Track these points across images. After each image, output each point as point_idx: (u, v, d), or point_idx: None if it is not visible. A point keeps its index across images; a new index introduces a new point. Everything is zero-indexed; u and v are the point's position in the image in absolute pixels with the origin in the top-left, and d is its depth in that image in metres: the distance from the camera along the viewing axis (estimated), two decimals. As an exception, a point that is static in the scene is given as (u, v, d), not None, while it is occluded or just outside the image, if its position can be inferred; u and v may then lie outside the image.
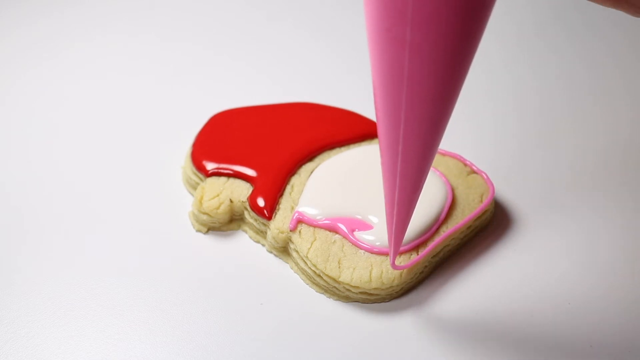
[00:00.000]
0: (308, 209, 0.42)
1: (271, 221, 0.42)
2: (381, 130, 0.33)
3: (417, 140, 0.33)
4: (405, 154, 0.33)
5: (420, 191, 0.35)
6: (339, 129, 0.47)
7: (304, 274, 0.42)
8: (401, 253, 0.41)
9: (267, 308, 0.40)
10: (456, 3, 0.28)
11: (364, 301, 0.41)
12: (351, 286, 0.40)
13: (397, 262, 0.40)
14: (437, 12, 0.28)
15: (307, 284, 0.42)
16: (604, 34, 0.59)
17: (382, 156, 0.34)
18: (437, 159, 0.46)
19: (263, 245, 0.44)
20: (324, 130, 0.47)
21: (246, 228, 0.44)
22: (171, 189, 0.46)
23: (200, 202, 0.43)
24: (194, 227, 0.44)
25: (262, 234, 0.43)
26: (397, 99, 0.31)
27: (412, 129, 0.32)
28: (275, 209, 0.43)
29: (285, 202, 0.43)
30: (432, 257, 0.42)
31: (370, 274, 0.40)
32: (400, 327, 0.40)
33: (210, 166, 0.45)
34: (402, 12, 0.29)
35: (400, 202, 0.36)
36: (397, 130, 0.32)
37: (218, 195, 0.44)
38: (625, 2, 0.33)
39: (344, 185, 0.43)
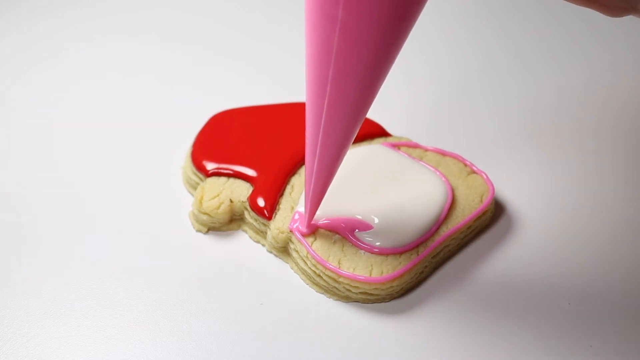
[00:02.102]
0: (308, 209, 0.42)
1: (271, 221, 0.42)
2: (307, 102, 0.35)
3: (340, 113, 0.34)
4: (327, 125, 0.35)
5: (340, 163, 0.37)
6: (339, 129, 0.47)
7: (304, 274, 0.42)
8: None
9: (267, 308, 0.40)
10: None
11: (364, 301, 0.41)
12: (351, 286, 0.40)
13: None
14: None
15: (307, 284, 0.42)
16: (599, 34, 0.59)
17: (306, 126, 0.36)
18: (437, 159, 0.46)
19: (263, 245, 0.44)
20: (324, 130, 0.47)
21: (246, 228, 0.44)
22: (171, 189, 0.46)
23: (200, 202, 0.43)
24: (194, 227, 0.44)
25: (262, 234, 0.43)
26: (324, 73, 0.33)
27: (335, 101, 0.34)
28: (275, 209, 0.43)
29: (285, 202, 0.43)
30: (432, 258, 0.42)
31: (371, 274, 0.40)
32: (400, 327, 0.40)
33: (210, 166, 0.45)
34: None
35: (318, 170, 0.37)
36: (322, 102, 0.34)
37: (218, 195, 0.44)
38: (597, 2, 0.34)
39: (344, 185, 0.43)
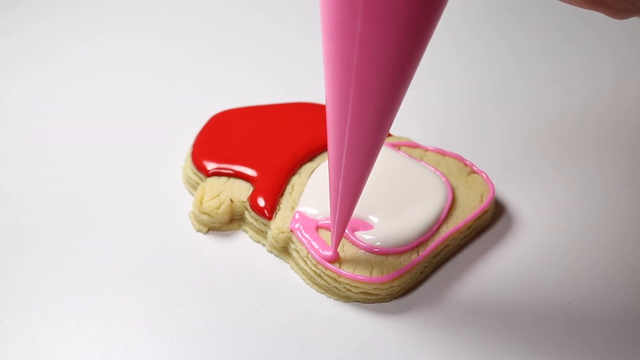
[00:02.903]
0: (308, 209, 0.42)
1: (271, 221, 0.42)
2: (329, 121, 0.34)
3: (363, 132, 0.33)
4: (350, 146, 0.34)
5: (365, 182, 0.36)
6: (339, 129, 0.47)
7: (304, 273, 0.42)
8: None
9: (268, 308, 0.40)
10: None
11: (364, 301, 0.41)
12: (352, 285, 0.40)
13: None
14: (386, 7, 0.29)
15: (308, 284, 0.42)
16: (599, 35, 0.59)
17: (328, 147, 0.35)
18: (437, 159, 0.46)
19: (263, 245, 0.44)
20: (324, 130, 0.47)
21: (246, 228, 0.44)
22: (171, 189, 0.46)
23: (201, 202, 0.43)
24: (194, 227, 0.44)
25: (263, 233, 0.43)
26: (345, 91, 0.32)
27: (358, 120, 0.33)
28: (275, 209, 0.43)
29: (285, 202, 0.43)
30: (432, 257, 0.42)
31: (371, 274, 0.40)
32: (400, 327, 0.40)
33: (210, 166, 0.45)
34: (354, 5, 0.29)
35: (343, 192, 0.36)
36: (344, 121, 0.33)
37: (218, 195, 0.44)
38: (602, 4, 0.33)
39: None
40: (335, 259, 0.40)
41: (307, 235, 0.41)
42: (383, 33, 0.30)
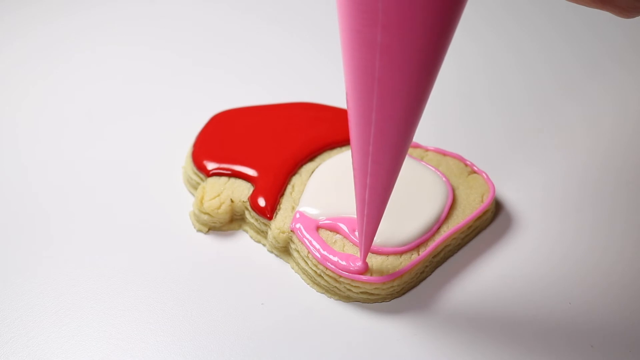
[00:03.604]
0: (309, 209, 0.42)
1: (272, 221, 0.42)
2: (352, 130, 0.33)
3: (388, 141, 0.33)
4: (375, 154, 0.33)
5: (391, 191, 0.36)
6: (339, 129, 0.47)
7: (304, 273, 0.42)
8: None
9: (268, 308, 0.40)
10: (425, 5, 0.28)
11: (365, 301, 0.41)
12: (352, 285, 0.40)
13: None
14: (406, 13, 0.29)
15: (308, 284, 0.42)
16: (599, 34, 0.59)
17: (352, 156, 0.35)
18: (437, 159, 0.46)
19: (264, 245, 0.44)
20: (324, 130, 0.47)
21: (247, 228, 0.44)
22: (172, 189, 0.46)
23: (201, 202, 0.43)
24: (194, 227, 0.44)
25: (263, 233, 0.43)
26: (368, 100, 0.31)
27: (382, 129, 0.32)
28: (276, 209, 0.43)
29: (286, 202, 0.43)
30: (432, 257, 0.42)
31: (371, 274, 0.40)
32: (400, 327, 0.40)
33: (211, 166, 0.45)
34: (373, 14, 0.29)
35: (370, 201, 0.36)
36: (368, 130, 0.33)
37: (219, 195, 0.44)
38: (610, 3, 0.33)
39: (345, 185, 0.43)
40: (366, 270, 0.40)
41: (308, 236, 0.41)
42: (404, 41, 0.29)
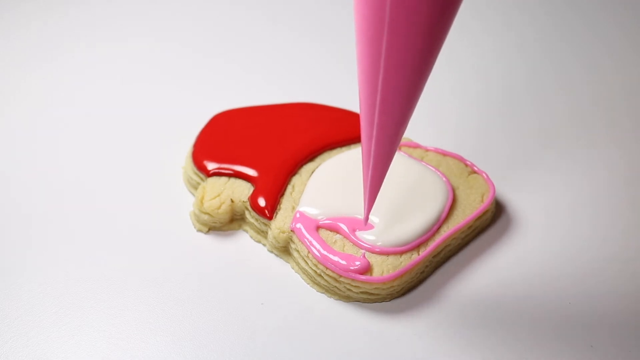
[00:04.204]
0: (309, 209, 0.42)
1: (272, 221, 0.42)
2: (360, 79, 0.33)
3: (396, 90, 0.33)
4: (383, 103, 0.33)
5: (398, 144, 0.36)
6: (339, 129, 0.47)
7: (304, 273, 0.42)
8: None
9: (268, 308, 0.40)
10: None
11: (365, 301, 0.41)
12: (352, 285, 0.40)
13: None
14: None
15: (308, 284, 0.42)
16: (599, 34, 0.59)
17: (360, 106, 0.34)
18: (438, 159, 0.46)
19: (264, 245, 0.44)
20: (324, 130, 0.47)
21: (247, 228, 0.44)
22: (172, 189, 0.46)
23: (201, 202, 0.43)
24: (194, 227, 0.44)
25: (263, 233, 0.43)
26: (377, 47, 0.31)
27: (390, 77, 0.32)
28: (276, 209, 0.43)
29: (286, 202, 0.43)
30: (432, 257, 0.42)
31: (371, 274, 0.40)
32: (400, 327, 0.40)
33: (211, 166, 0.45)
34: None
35: (376, 154, 0.36)
36: (376, 79, 0.32)
37: (219, 195, 0.44)
38: None
39: (345, 185, 0.43)
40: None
41: (308, 236, 0.41)
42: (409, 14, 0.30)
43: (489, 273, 0.42)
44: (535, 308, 0.41)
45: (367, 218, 0.40)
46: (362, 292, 0.40)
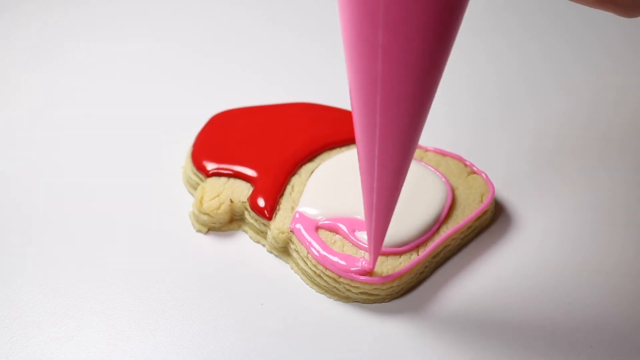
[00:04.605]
0: (308, 209, 0.42)
1: (271, 221, 0.42)
2: (357, 133, 0.33)
3: (393, 143, 0.33)
4: (381, 157, 0.33)
5: (399, 193, 0.36)
6: (339, 129, 0.47)
7: (304, 274, 0.42)
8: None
9: (268, 308, 0.40)
10: (426, 5, 0.28)
11: (365, 301, 0.41)
12: (352, 286, 0.40)
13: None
14: (407, 15, 0.28)
15: (308, 284, 0.42)
16: (599, 34, 0.59)
17: (359, 159, 0.34)
18: (437, 159, 0.46)
19: (263, 245, 0.44)
20: (324, 130, 0.47)
21: (246, 228, 0.44)
22: (172, 189, 0.46)
23: (201, 202, 0.43)
24: (194, 227, 0.44)
25: (263, 234, 0.43)
26: (372, 102, 0.31)
27: (387, 131, 0.32)
28: (275, 209, 0.43)
29: (285, 203, 0.43)
30: (432, 258, 0.42)
31: (371, 275, 0.40)
32: (400, 327, 0.40)
33: (210, 166, 0.45)
34: (374, 15, 0.29)
35: (378, 206, 0.36)
36: (373, 133, 0.32)
37: (218, 196, 0.44)
38: (612, 2, 0.33)
39: (345, 186, 0.43)
40: (371, 270, 0.40)
41: (307, 236, 0.41)
42: (405, 41, 0.29)
43: (488, 273, 0.42)
44: (535, 308, 0.41)
45: (374, 263, 0.39)
46: (361, 293, 0.40)
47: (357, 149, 0.34)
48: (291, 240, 0.42)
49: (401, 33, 0.29)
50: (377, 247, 0.38)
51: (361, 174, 0.35)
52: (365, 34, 0.29)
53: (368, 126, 0.32)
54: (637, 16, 0.34)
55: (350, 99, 0.33)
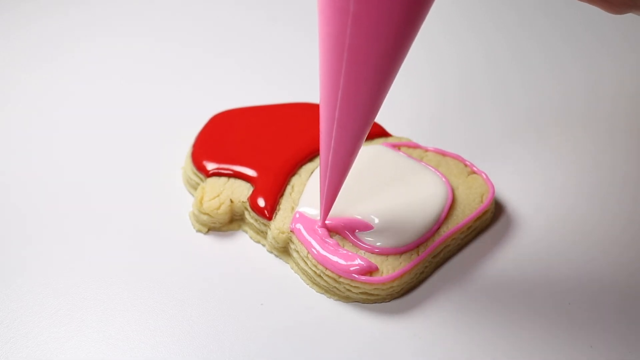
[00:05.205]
0: (308, 209, 0.42)
1: (271, 221, 0.42)
2: (321, 92, 0.35)
3: (354, 106, 0.34)
4: (341, 118, 0.35)
5: (355, 157, 0.37)
6: (339, 129, 0.47)
7: (304, 274, 0.42)
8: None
9: (268, 308, 0.40)
10: None
11: (365, 301, 0.41)
12: (352, 286, 0.40)
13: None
14: None
15: (308, 284, 0.42)
16: (600, 34, 0.59)
17: (320, 118, 0.36)
18: (437, 159, 0.46)
19: (263, 245, 0.44)
20: (324, 130, 0.47)
21: (246, 228, 0.44)
22: (172, 190, 0.46)
23: (201, 203, 0.43)
24: (194, 228, 0.44)
25: (263, 234, 0.43)
26: (337, 65, 0.32)
27: (349, 94, 0.33)
28: (275, 209, 0.43)
29: (285, 203, 0.43)
30: (432, 258, 0.42)
31: (371, 275, 0.40)
32: (400, 327, 0.40)
33: (210, 166, 0.45)
34: None
35: (333, 165, 0.37)
36: (335, 94, 0.34)
37: (218, 196, 0.44)
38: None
39: (344, 186, 0.43)
40: (326, 230, 0.41)
41: (307, 236, 0.41)
42: (375, 10, 0.30)
43: (488, 273, 0.42)
44: (535, 308, 0.41)
45: (323, 221, 0.41)
46: (361, 293, 0.40)
47: (320, 108, 0.36)
48: (291, 240, 0.42)
49: (372, 2, 0.30)
50: (328, 207, 0.40)
51: (320, 133, 0.37)
52: (338, 1, 0.31)
53: (331, 86, 0.34)
54: (623, 13, 0.34)
55: (319, 63, 0.34)
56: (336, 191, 0.39)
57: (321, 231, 0.41)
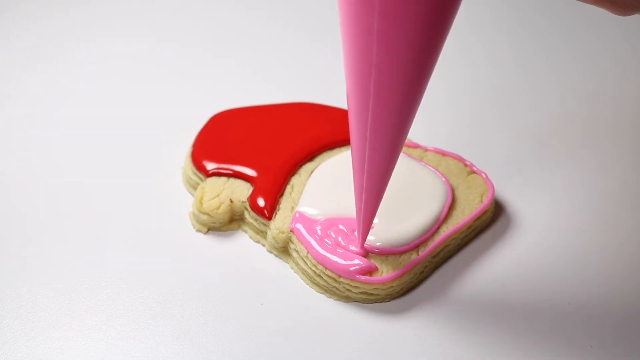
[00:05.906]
0: (308, 209, 0.42)
1: (271, 221, 0.42)
2: (351, 116, 0.34)
3: (385, 128, 0.33)
4: (373, 141, 0.34)
5: (389, 178, 0.36)
6: (339, 129, 0.47)
7: (304, 274, 0.42)
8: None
9: (268, 308, 0.40)
10: None
11: (364, 301, 0.41)
12: (351, 286, 0.40)
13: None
14: (403, 2, 0.29)
15: (307, 284, 0.42)
16: (600, 34, 0.59)
17: (351, 142, 0.35)
18: (437, 159, 0.46)
19: (263, 245, 0.44)
20: (324, 130, 0.47)
21: (246, 228, 0.44)
22: (171, 189, 0.46)
23: (201, 202, 0.43)
24: (194, 227, 0.44)
25: (262, 234, 0.43)
26: (366, 87, 0.32)
27: (379, 116, 0.33)
28: (275, 209, 0.43)
29: (285, 202, 0.43)
30: (432, 257, 0.42)
31: (371, 274, 0.40)
32: (400, 327, 0.40)
33: (210, 166, 0.45)
34: (370, 1, 0.30)
35: (368, 188, 0.37)
36: (366, 117, 0.33)
37: (218, 195, 0.44)
38: (606, 0, 0.33)
39: (344, 185, 0.43)
40: (364, 254, 0.40)
41: (307, 236, 0.41)
42: (400, 28, 0.30)
43: (488, 273, 0.42)
44: (535, 308, 0.40)
45: (362, 245, 0.40)
46: (361, 293, 0.40)
47: (350, 131, 0.35)
48: (291, 240, 0.42)
49: (396, 18, 0.29)
50: (366, 230, 0.39)
51: (352, 157, 0.36)
52: (361, 20, 0.30)
53: (361, 110, 0.33)
54: (629, 15, 0.34)
55: (346, 84, 0.33)
56: (373, 213, 0.38)
57: (357, 251, 0.40)
